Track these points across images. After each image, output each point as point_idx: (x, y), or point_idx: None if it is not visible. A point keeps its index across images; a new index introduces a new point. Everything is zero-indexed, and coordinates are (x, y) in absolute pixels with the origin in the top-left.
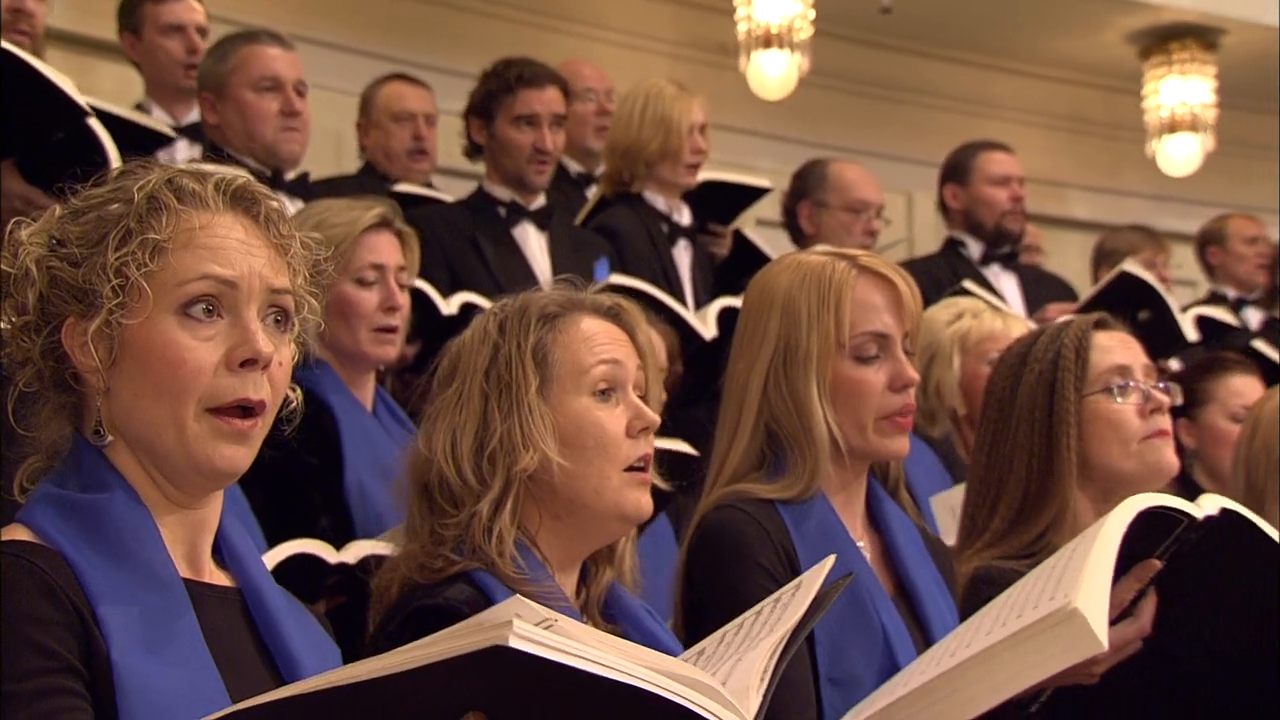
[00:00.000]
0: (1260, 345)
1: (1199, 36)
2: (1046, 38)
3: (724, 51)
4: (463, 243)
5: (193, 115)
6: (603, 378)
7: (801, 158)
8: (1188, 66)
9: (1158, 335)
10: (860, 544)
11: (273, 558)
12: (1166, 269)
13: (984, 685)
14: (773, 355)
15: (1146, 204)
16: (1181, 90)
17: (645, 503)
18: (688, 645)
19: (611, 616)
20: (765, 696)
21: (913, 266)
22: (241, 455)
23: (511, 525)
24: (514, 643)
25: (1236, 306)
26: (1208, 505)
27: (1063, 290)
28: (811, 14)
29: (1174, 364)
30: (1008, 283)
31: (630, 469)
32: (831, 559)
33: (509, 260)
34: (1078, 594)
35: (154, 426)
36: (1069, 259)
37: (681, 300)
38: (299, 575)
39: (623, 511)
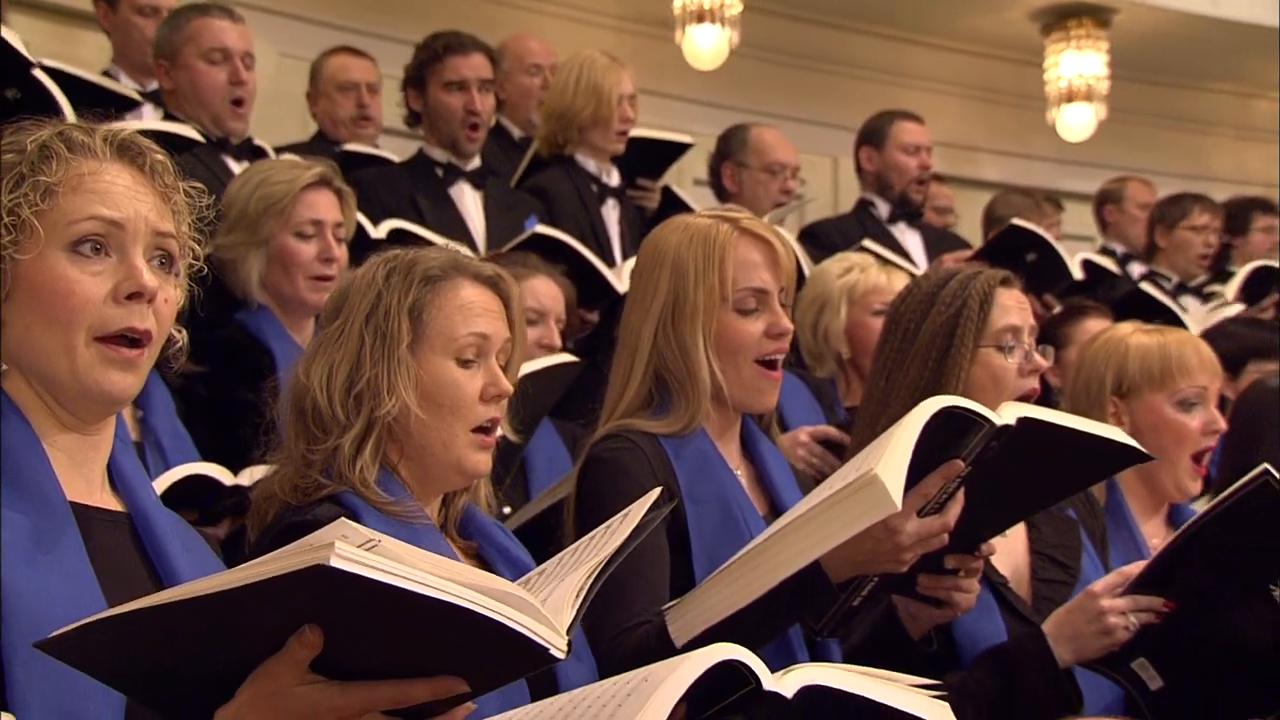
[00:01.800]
0: (1144, 286)
1: (1093, 15)
2: (959, 14)
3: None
4: (403, 201)
5: (153, 85)
6: (469, 346)
7: (734, 123)
8: (1083, 42)
9: (1045, 274)
10: (737, 471)
11: (169, 478)
12: (1054, 227)
13: (796, 548)
14: (662, 308)
15: (1049, 167)
16: (1078, 63)
17: (484, 463)
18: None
19: (468, 534)
20: (579, 610)
21: (826, 224)
22: (129, 382)
23: (373, 460)
24: (335, 562)
25: (1123, 261)
26: (1007, 414)
27: (961, 247)
28: None
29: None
30: (912, 240)
31: (477, 430)
32: (656, 492)
33: (445, 217)
34: (878, 465)
35: (46, 355)
36: (979, 217)
37: (610, 254)
38: (197, 497)
39: (462, 468)
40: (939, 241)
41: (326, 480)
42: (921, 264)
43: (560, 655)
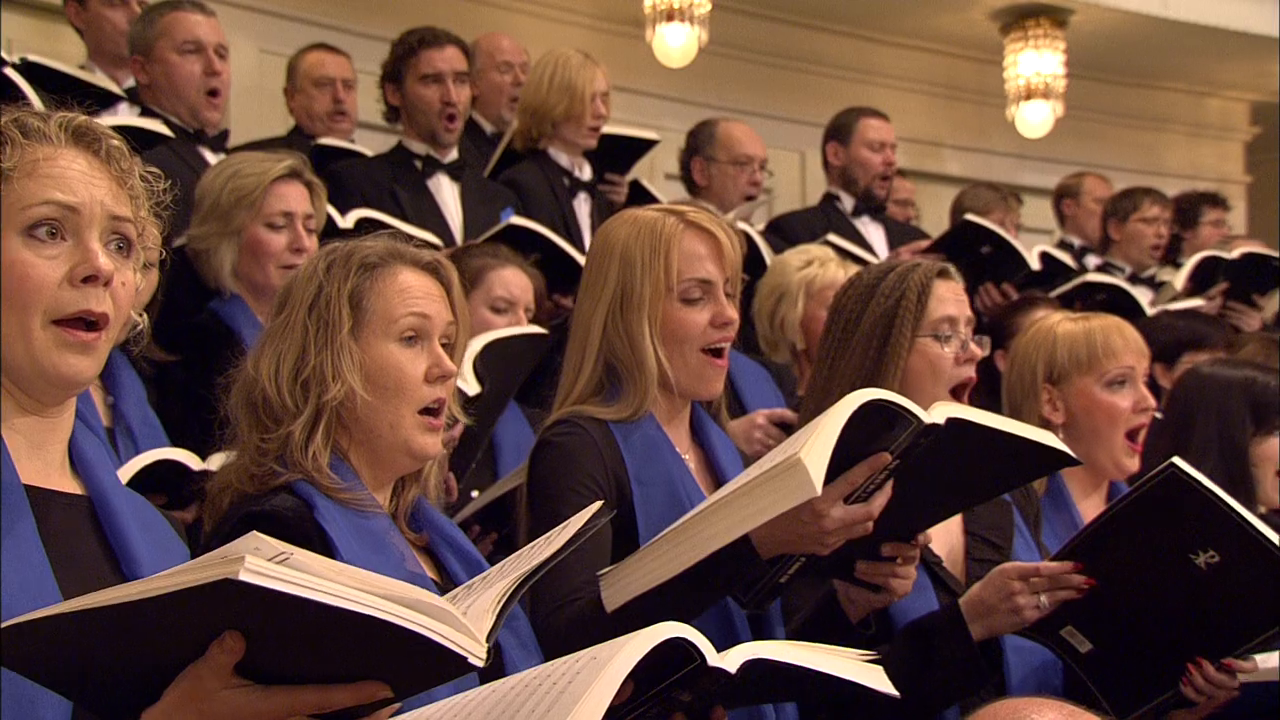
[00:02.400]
0: (1094, 276)
1: (1051, 15)
2: (923, 15)
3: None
4: (382, 193)
5: (130, 81)
6: (410, 327)
7: (704, 119)
8: (1041, 42)
9: (1002, 266)
10: (685, 456)
11: (137, 463)
12: (1016, 220)
13: (723, 524)
14: (611, 298)
15: (1009, 162)
16: (1036, 62)
17: (432, 444)
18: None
19: (417, 526)
20: (500, 617)
21: (792, 217)
22: (86, 365)
23: (325, 446)
24: (244, 576)
25: (1080, 253)
26: (936, 414)
27: (922, 239)
28: None
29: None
30: (876, 233)
31: (424, 411)
32: (596, 505)
33: (424, 208)
34: (802, 450)
35: (3, 339)
36: (943, 210)
37: (581, 245)
38: (166, 481)
39: (411, 449)
40: (902, 235)
41: (281, 469)
42: (884, 256)
43: (479, 662)
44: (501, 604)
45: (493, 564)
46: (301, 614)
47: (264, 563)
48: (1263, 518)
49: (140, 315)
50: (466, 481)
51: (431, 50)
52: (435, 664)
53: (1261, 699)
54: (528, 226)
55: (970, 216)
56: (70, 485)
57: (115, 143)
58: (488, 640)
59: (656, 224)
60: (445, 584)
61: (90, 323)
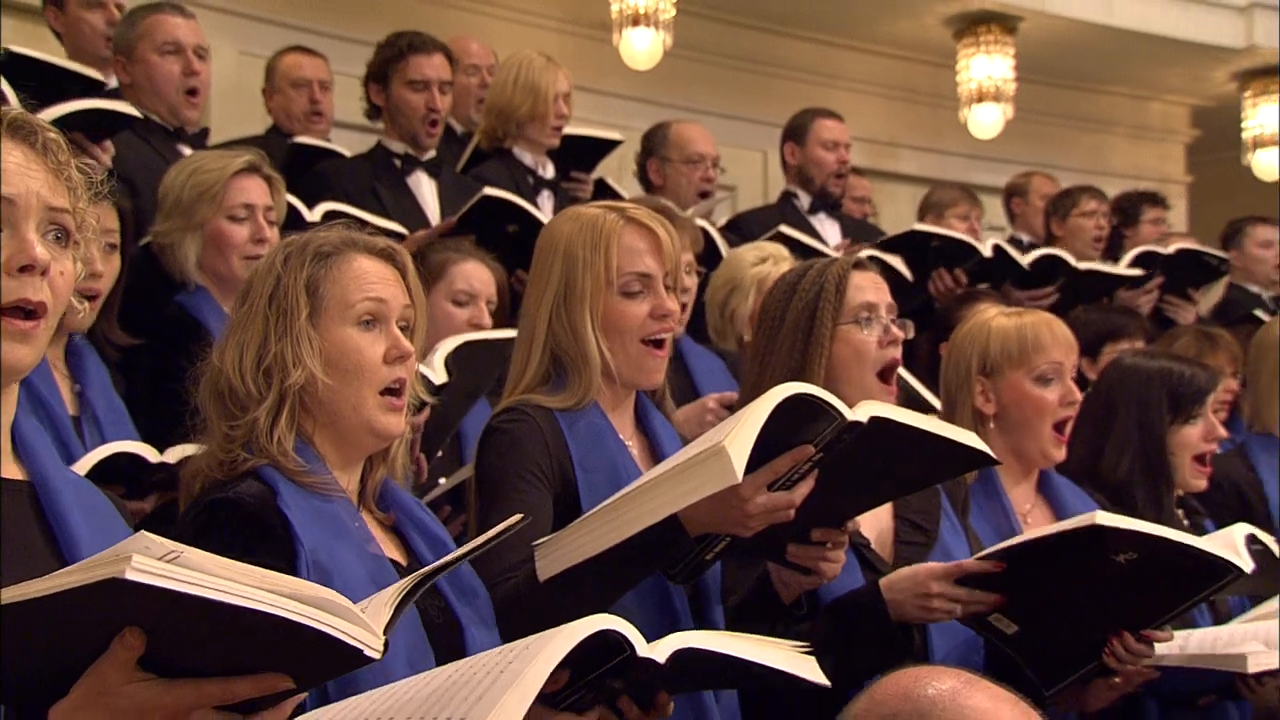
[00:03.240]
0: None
1: (1001, 22)
2: (879, 20)
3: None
4: (364, 190)
5: (113, 81)
6: (366, 311)
7: (669, 119)
8: (992, 47)
9: (953, 254)
10: (629, 443)
11: (95, 456)
12: (979, 221)
13: (651, 504)
14: (555, 292)
15: (962, 162)
16: (987, 66)
17: (394, 424)
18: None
19: (385, 507)
20: (398, 612)
21: (751, 215)
22: (24, 354)
23: (289, 430)
24: (130, 575)
25: (1029, 249)
26: (861, 412)
27: (876, 235)
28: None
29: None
30: (831, 229)
31: (385, 392)
32: (517, 517)
33: (404, 204)
34: (725, 438)
35: None
36: (899, 207)
37: None
38: (125, 473)
39: (374, 429)
40: (857, 231)
41: (248, 455)
42: (839, 251)
43: (375, 655)
44: (399, 599)
45: (460, 544)
46: (193, 610)
47: (151, 561)
48: (1180, 501)
49: (81, 302)
50: (434, 468)
51: (420, 57)
52: (332, 656)
53: (1191, 680)
54: (502, 197)
55: (916, 225)
56: (13, 471)
57: (52, 135)
58: (385, 633)
59: (598, 220)
60: (411, 563)
61: (29, 312)
